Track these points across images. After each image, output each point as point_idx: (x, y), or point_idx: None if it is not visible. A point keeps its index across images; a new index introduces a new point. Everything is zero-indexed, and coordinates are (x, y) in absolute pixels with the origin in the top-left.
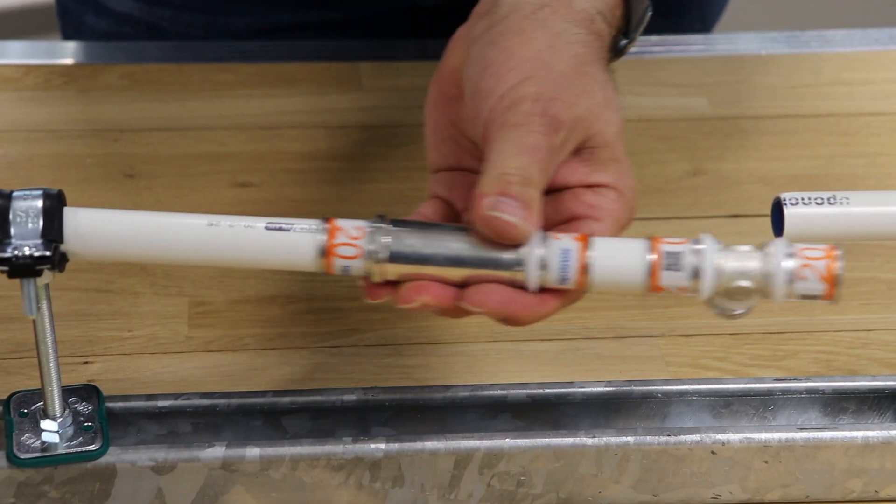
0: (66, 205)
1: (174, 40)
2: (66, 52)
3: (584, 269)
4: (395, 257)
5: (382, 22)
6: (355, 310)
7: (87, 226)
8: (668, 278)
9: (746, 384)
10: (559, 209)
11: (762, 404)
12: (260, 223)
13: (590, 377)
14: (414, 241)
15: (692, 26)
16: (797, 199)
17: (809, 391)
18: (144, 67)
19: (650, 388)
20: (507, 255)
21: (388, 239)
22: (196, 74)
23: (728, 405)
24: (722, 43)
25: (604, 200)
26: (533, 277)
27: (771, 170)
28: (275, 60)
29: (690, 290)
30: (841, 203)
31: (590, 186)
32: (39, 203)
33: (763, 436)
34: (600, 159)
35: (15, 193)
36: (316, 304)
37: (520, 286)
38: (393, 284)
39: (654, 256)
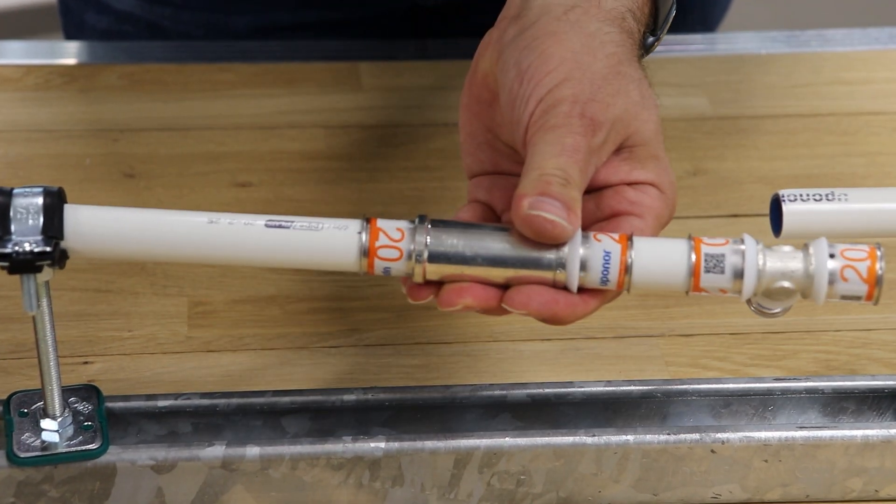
0: (66, 202)
1: (174, 39)
2: (66, 52)
3: (626, 270)
4: (436, 257)
5: (382, 22)
6: (355, 310)
7: (87, 223)
8: (709, 280)
9: (746, 384)
10: (601, 206)
11: (762, 404)
12: (264, 220)
13: (589, 377)
14: (455, 241)
15: (694, 28)
16: (795, 196)
17: (809, 391)
18: (144, 67)
19: (649, 387)
20: (549, 256)
21: (429, 239)
22: (196, 74)
23: (728, 405)
24: (722, 42)
25: (645, 197)
26: (574, 278)
27: (771, 169)
28: (274, 60)
29: (732, 290)
30: (839, 199)
31: (631, 184)
32: (40, 200)
33: (763, 434)
34: (640, 157)
35: (15, 191)
36: (316, 305)
37: (560, 287)
38: (435, 285)
39: (695, 258)
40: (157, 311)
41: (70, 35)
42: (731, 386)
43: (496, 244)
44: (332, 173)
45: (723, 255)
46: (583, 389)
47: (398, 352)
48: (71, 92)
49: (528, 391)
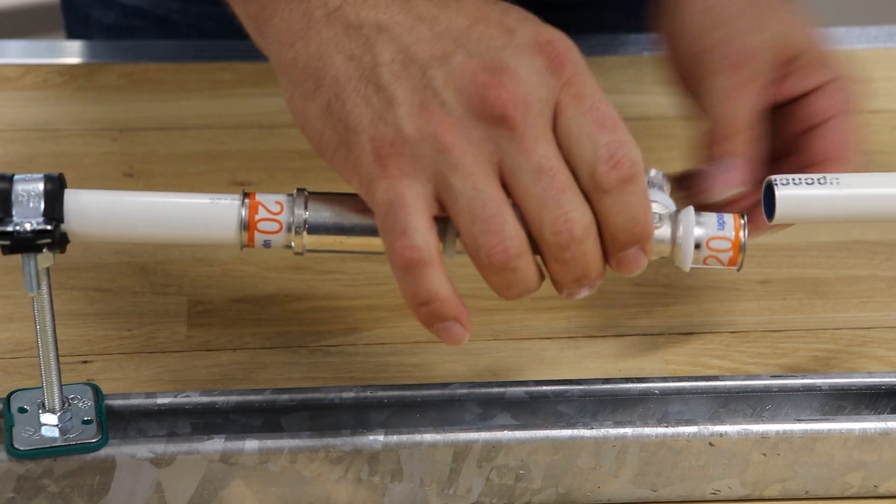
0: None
1: (183, 33)
2: (65, 52)
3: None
4: (315, 228)
5: None
6: (354, 309)
7: (87, 205)
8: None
9: (744, 381)
10: (793, 120)
11: (759, 402)
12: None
13: (588, 375)
14: (332, 212)
15: None
16: (788, 180)
17: (807, 388)
18: (143, 67)
19: (648, 385)
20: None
21: (308, 211)
22: (195, 73)
23: (726, 403)
24: None
25: (823, 97)
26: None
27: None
28: None
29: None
30: (831, 184)
31: (809, 93)
32: (41, 185)
33: (761, 427)
34: (806, 66)
35: (17, 177)
36: (315, 303)
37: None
38: None
39: None
40: (156, 311)
41: (74, 31)
42: (728, 383)
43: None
44: (332, 172)
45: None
46: (581, 387)
47: (397, 350)
48: (70, 91)
49: (527, 389)
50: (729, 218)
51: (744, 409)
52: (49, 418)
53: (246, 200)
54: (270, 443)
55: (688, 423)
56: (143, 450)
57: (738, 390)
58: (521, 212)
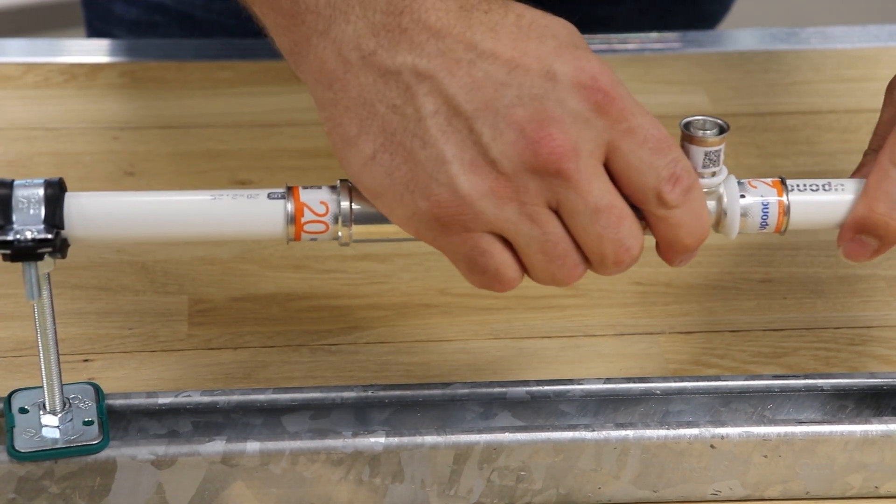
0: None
1: (206, 29)
2: (66, 50)
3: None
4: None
5: None
6: (355, 308)
7: (88, 208)
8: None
9: (745, 381)
10: None
11: (761, 402)
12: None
13: (590, 374)
14: None
15: (695, 25)
16: (793, 186)
17: (808, 388)
18: (144, 65)
19: (649, 385)
20: None
21: (353, 202)
22: (196, 72)
23: (727, 403)
24: (722, 40)
25: None
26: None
27: (771, 167)
28: (274, 58)
29: None
30: (836, 190)
31: None
32: (41, 191)
33: (762, 429)
34: None
35: (17, 182)
36: (315, 302)
37: None
38: None
39: None
40: (157, 310)
41: (94, 27)
42: (730, 383)
43: None
44: (332, 171)
45: None
46: (582, 387)
47: (398, 349)
48: (71, 90)
49: (528, 388)
50: (769, 183)
51: (745, 408)
52: (50, 419)
53: (291, 201)
54: (271, 444)
55: (689, 425)
56: (144, 451)
57: (740, 390)
58: (581, 245)
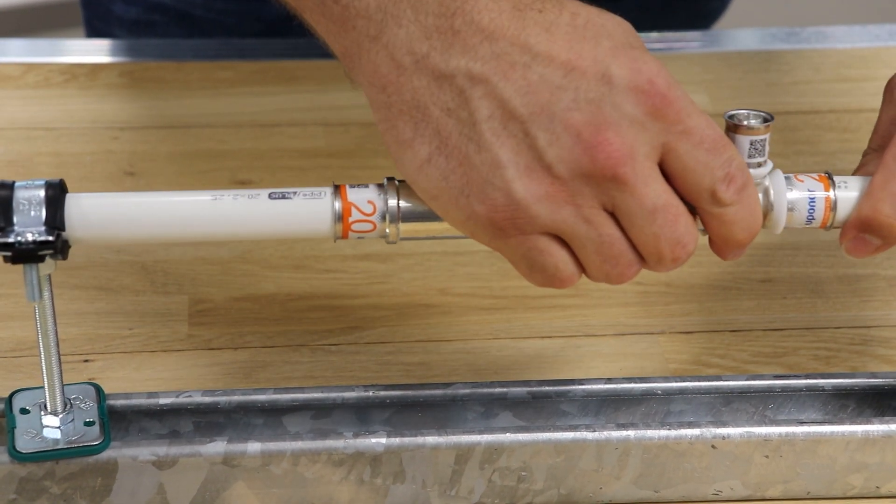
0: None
1: (205, 28)
2: (66, 51)
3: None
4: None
5: None
6: (355, 307)
7: (89, 209)
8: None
9: (746, 381)
10: None
11: (762, 402)
12: (264, 193)
13: (590, 375)
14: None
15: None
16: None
17: (809, 388)
18: (144, 65)
19: (650, 385)
20: None
21: (401, 200)
22: (196, 72)
23: (728, 403)
24: (722, 39)
25: None
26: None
27: None
28: (274, 58)
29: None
30: (840, 187)
31: None
32: (42, 193)
33: (764, 430)
34: None
35: (17, 184)
36: (316, 302)
37: None
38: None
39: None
40: (157, 310)
41: (93, 27)
42: (731, 383)
43: None
44: (332, 171)
45: None
46: (583, 387)
47: (398, 349)
48: (71, 90)
49: (529, 388)
50: (816, 177)
51: (746, 408)
52: (51, 420)
53: (338, 200)
54: (273, 445)
55: (690, 425)
56: (146, 452)
57: (741, 390)
58: (637, 245)
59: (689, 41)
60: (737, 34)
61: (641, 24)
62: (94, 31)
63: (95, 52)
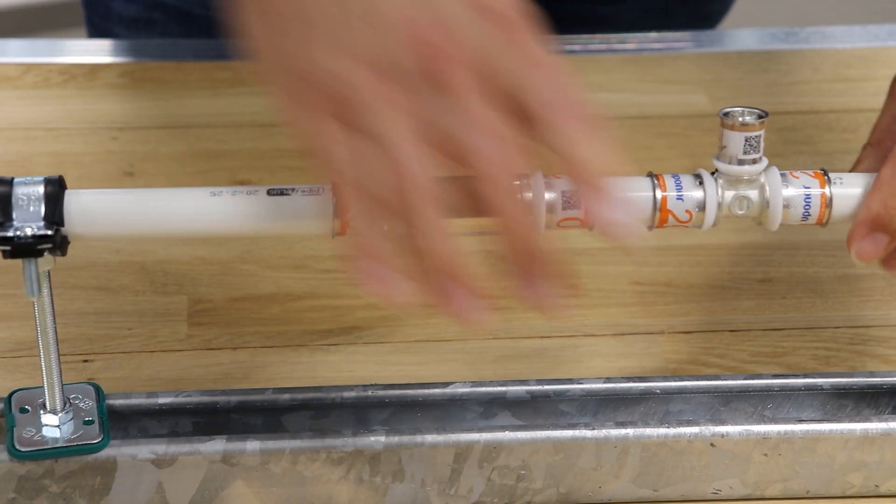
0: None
1: (204, 27)
2: (66, 51)
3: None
4: None
5: None
6: (354, 307)
7: (88, 205)
8: None
9: (745, 381)
10: None
11: (761, 401)
12: (263, 189)
13: (589, 374)
14: None
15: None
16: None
17: (808, 388)
18: (143, 65)
19: (649, 384)
20: None
21: None
22: (195, 72)
23: (727, 402)
24: (722, 39)
25: None
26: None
27: None
28: None
29: None
30: (836, 183)
31: None
32: (41, 188)
33: (762, 428)
34: None
35: (17, 180)
36: (315, 302)
37: None
38: None
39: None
40: (156, 310)
41: (94, 25)
42: (729, 383)
43: None
44: None
45: None
46: (582, 386)
47: (397, 349)
48: (70, 90)
49: (528, 388)
50: (811, 174)
51: (745, 408)
52: (50, 419)
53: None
54: (272, 443)
55: (689, 423)
56: (145, 450)
57: (740, 389)
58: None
59: (688, 41)
60: (736, 34)
61: (643, 26)
62: (94, 29)
63: (95, 52)
